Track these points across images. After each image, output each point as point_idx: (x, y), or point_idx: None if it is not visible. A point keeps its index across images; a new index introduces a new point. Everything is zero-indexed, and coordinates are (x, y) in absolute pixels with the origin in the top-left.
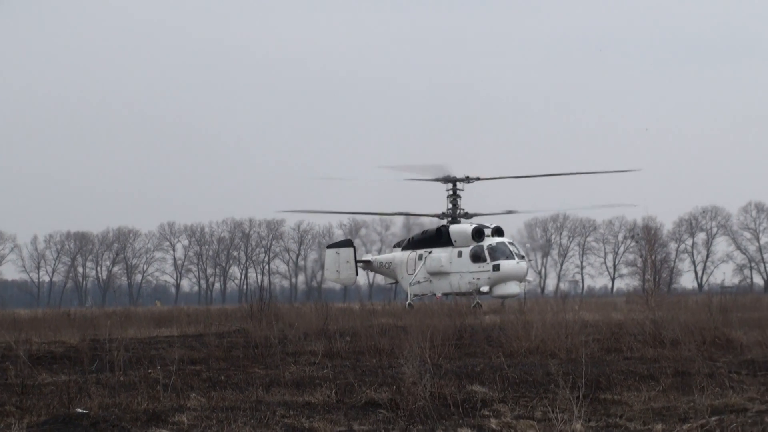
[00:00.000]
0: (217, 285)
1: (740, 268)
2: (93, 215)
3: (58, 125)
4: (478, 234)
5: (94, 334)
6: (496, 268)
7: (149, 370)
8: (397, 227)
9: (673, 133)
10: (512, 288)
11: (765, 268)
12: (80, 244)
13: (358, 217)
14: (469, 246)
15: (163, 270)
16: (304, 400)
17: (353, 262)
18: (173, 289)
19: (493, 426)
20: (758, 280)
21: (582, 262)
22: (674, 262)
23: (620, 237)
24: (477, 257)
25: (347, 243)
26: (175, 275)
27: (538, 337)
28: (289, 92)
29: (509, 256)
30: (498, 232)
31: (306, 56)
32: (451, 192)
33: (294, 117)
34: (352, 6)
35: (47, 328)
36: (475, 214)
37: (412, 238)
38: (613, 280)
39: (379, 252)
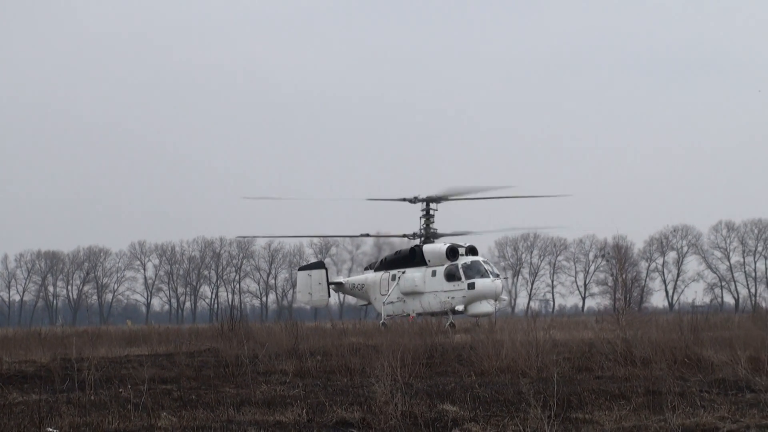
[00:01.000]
0: (187, 304)
1: (711, 287)
2: (64, 234)
3: (25, 143)
4: (453, 253)
5: (65, 353)
6: (471, 286)
7: (120, 390)
8: (368, 246)
9: (644, 152)
10: (487, 306)
11: (735, 287)
12: (51, 263)
13: (329, 238)
14: (443, 265)
15: (134, 289)
16: (275, 420)
17: (325, 284)
18: (144, 308)
19: None
20: (729, 299)
21: (553, 281)
22: (645, 281)
23: (591, 256)
24: (452, 276)
25: (319, 265)
26: (145, 294)
27: (509, 356)
28: (259, 113)
29: (484, 274)
30: (472, 251)
31: (275, 77)
32: (423, 212)
33: (263, 137)
34: (317, 28)
35: (18, 347)
36: (443, 234)
37: (385, 258)
38: (584, 299)
39: (350, 272)
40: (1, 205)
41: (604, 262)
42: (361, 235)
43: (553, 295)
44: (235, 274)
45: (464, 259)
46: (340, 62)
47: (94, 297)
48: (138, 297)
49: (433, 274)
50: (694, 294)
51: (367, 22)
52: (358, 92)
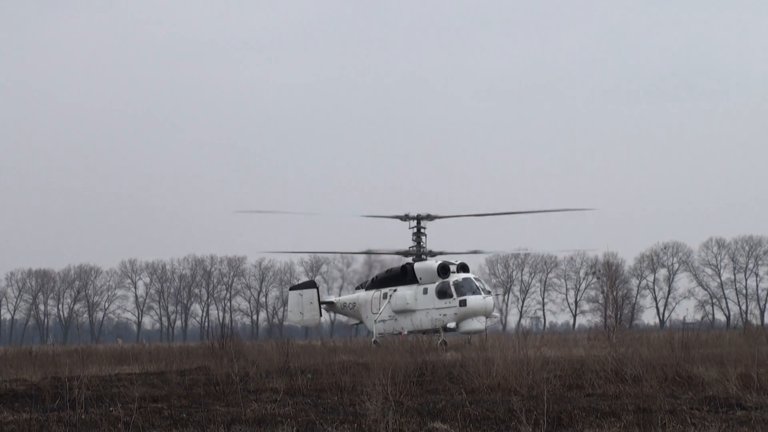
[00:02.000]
0: (178, 322)
1: (702, 305)
2: (54, 253)
3: (14, 163)
4: (444, 270)
5: (56, 371)
6: (463, 303)
7: (111, 408)
8: (359, 264)
9: (634, 170)
10: (479, 324)
11: (726, 304)
12: (42, 281)
13: (320, 255)
14: (434, 283)
15: (125, 307)
16: None
17: (317, 304)
18: (135, 327)
19: None
20: (720, 317)
21: (543, 299)
22: (636, 298)
23: (582, 273)
24: (443, 293)
25: (310, 284)
26: (136, 312)
27: (500, 373)
28: (249, 130)
29: (476, 291)
30: (463, 268)
31: (267, 90)
32: (415, 230)
33: (253, 155)
34: (304, 45)
35: (8, 365)
36: (440, 253)
37: (376, 277)
38: (574, 316)
39: (341, 290)
40: None
41: (594, 280)
42: (358, 252)
43: (543, 313)
44: (225, 292)
45: (455, 277)
46: (334, 77)
47: (85, 315)
48: (129, 315)
49: (425, 291)
50: (685, 311)
51: (362, 38)
52: (350, 109)
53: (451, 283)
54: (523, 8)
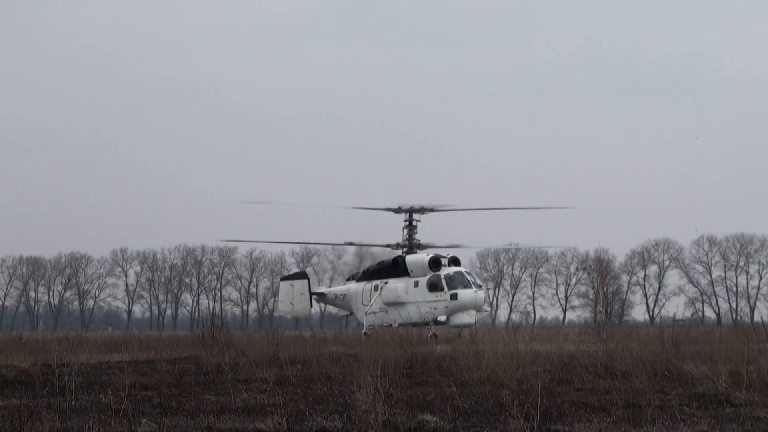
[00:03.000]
0: (168, 311)
1: (692, 301)
2: (45, 240)
3: (6, 150)
4: (435, 264)
5: (46, 358)
6: (454, 297)
7: (101, 396)
8: (350, 256)
9: (625, 166)
10: (470, 317)
11: (717, 301)
12: (32, 268)
13: (311, 246)
14: (426, 276)
15: (115, 296)
16: (255, 428)
17: (308, 294)
18: (125, 315)
19: None
20: (710, 314)
21: (534, 293)
22: (626, 294)
23: (572, 269)
24: (434, 287)
25: (301, 275)
26: (127, 301)
27: (489, 367)
28: (239, 122)
29: (467, 285)
30: (454, 261)
31: (255, 86)
32: (407, 222)
33: (246, 146)
34: (305, 41)
35: None
36: (428, 246)
37: (367, 269)
38: (564, 311)
39: (332, 282)
40: None
41: (585, 275)
42: (345, 243)
43: (534, 307)
44: (216, 282)
45: (447, 270)
46: (324, 73)
47: (76, 303)
48: (119, 304)
49: (416, 284)
50: (675, 308)
51: (350, 32)
52: (342, 103)
53: (442, 276)
54: (513, 5)
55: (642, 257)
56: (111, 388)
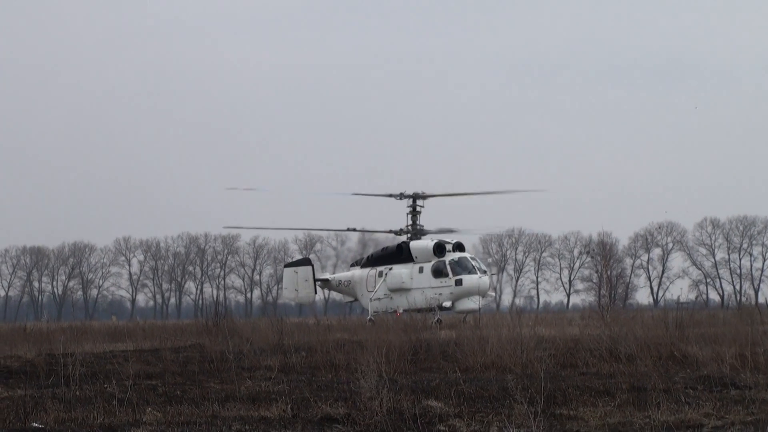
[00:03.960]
0: (172, 300)
1: (696, 284)
2: (49, 230)
3: (8, 141)
4: (440, 249)
5: (50, 348)
6: (459, 282)
7: (105, 385)
8: (353, 243)
9: (628, 149)
10: (474, 303)
11: (720, 284)
12: (36, 258)
13: (314, 232)
14: (430, 261)
15: (119, 285)
16: (260, 415)
17: (312, 281)
18: (129, 304)
19: None
20: (714, 296)
21: (537, 278)
22: (630, 277)
23: (576, 252)
24: (439, 272)
25: (305, 261)
26: (130, 290)
27: (494, 352)
28: (241, 107)
29: (471, 270)
30: (459, 247)
31: (260, 71)
32: (410, 208)
33: (246, 139)
34: (311, 22)
35: (3, 342)
36: (429, 232)
37: (372, 255)
38: (568, 295)
39: (335, 268)
40: None
41: (588, 259)
42: (348, 230)
43: (537, 292)
44: (219, 270)
45: (451, 256)
46: (327, 57)
47: (79, 292)
48: (123, 293)
49: (420, 270)
50: (679, 291)
51: (348, 17)
52: (343, 89)
53: (447, 262)
54: None
55: (645, 240)
56: (115, 377)
